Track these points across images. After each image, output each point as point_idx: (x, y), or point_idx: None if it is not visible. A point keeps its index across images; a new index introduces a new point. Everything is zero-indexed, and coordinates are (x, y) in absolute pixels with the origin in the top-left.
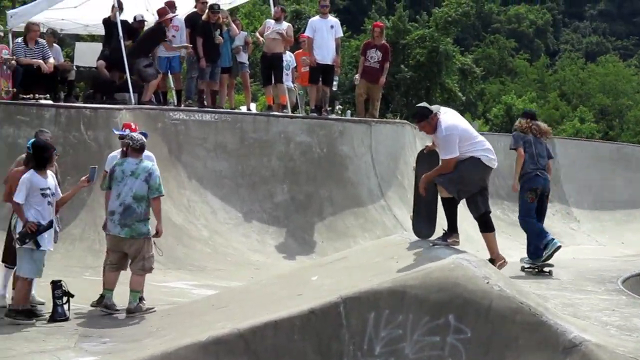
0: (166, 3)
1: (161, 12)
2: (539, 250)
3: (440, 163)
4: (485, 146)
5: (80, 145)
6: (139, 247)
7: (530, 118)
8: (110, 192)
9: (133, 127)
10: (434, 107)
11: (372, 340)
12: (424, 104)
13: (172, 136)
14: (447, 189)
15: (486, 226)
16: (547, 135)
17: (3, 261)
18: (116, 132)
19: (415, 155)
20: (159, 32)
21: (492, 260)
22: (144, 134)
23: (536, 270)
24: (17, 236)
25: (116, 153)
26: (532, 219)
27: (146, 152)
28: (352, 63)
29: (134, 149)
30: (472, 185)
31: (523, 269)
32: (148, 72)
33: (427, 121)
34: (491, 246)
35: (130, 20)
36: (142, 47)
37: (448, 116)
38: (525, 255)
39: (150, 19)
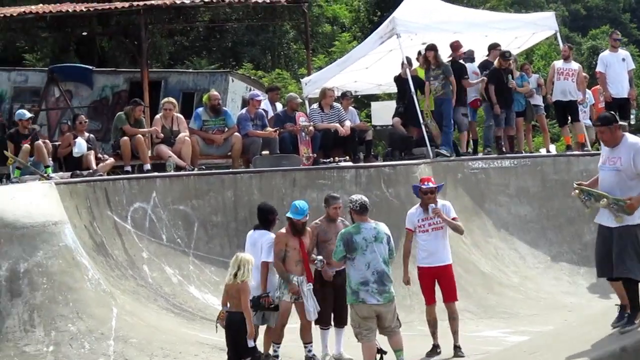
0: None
1: (455, 46)
2: None
3: None
4: None
5: (382, 203)
6: (394, 308)
7: None
8: (351, 262)
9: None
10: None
11: None
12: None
13: (473, 185)
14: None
15: None
16: None
17: (316, 324)
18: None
19: None
20: (459, 70)
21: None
22: (440, 187)
23: None
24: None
25: (414, 209)
26: None
27: (442, 202)
28: None
29: (355, 212)
30: None
31: None
32: (463, 121)
33: (609, 127)
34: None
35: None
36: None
37: None
38: None
39: None
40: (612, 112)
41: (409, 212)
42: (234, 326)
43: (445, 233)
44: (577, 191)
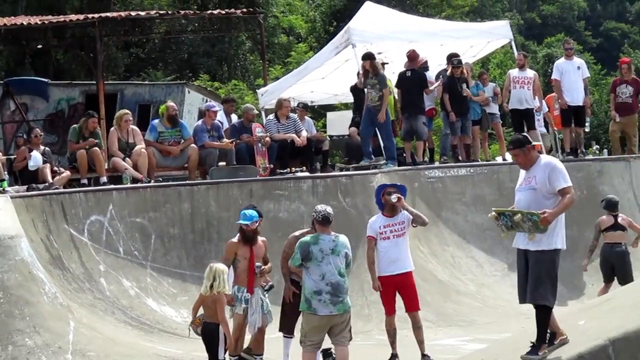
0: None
1: (412, 56)
2: None
3: (563, 198)
4: None
5: (339, 212)
6: (348, 319)
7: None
8: (306, 270)
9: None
10: None
11: None
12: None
13: (429, 194)
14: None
15: None
16: None
17: (280, 330)
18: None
19: None
20: (420, 79)
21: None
22: (403, 188)
23: None
24: None
25: (375, 218)
26: None
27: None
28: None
29: (317, 222)
30: None
31: None
32: (424, 130)
33: (522, 150)
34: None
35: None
36: (411, 101)
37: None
38: None
39: None
40: (525, 135)
41: (370, 220)
42: (208, 336)
43: (406, 240)
44: (494, 213)
